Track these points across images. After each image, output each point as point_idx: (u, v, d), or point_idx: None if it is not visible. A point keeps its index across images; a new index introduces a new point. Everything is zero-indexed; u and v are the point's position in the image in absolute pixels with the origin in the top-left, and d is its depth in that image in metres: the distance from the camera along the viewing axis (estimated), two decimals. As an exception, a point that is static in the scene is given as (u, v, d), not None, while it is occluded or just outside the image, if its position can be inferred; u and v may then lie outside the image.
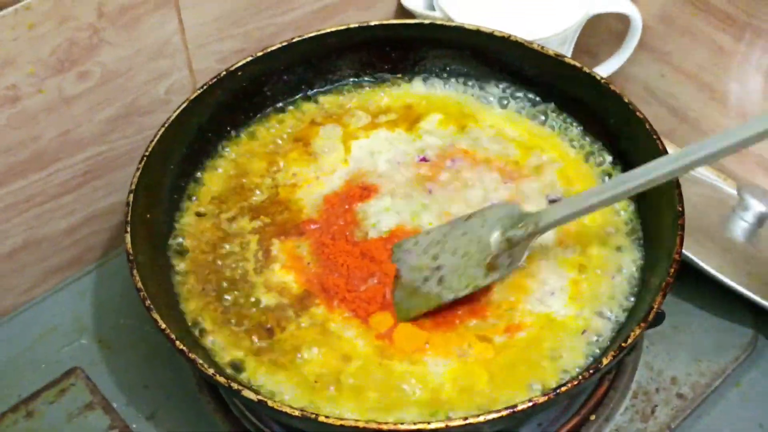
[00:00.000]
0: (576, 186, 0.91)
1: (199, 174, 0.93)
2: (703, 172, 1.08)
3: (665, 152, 0.83)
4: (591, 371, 0.70)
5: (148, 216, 0.84)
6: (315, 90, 0.99)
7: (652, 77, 1.14)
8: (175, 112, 0.88)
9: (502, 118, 0.97)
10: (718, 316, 0.93)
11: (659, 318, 0.81)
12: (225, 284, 0.84)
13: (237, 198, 0.91)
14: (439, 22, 0.94)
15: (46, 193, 0.94)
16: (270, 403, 0.69)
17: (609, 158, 0.92)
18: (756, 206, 0.95)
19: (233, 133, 0.96)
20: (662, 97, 1.14)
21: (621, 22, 1.09)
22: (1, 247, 0.93)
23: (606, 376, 0.86)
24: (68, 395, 0.86)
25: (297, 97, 0.99)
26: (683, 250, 0.77)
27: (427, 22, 0.95)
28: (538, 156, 0.93)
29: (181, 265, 0.86)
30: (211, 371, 0.71)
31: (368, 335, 0.80)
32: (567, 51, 1.09)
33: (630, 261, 0.84)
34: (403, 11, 1.10)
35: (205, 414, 0.85)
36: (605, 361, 0.71)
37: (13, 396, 0.87)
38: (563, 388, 0.69)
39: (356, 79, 1.00)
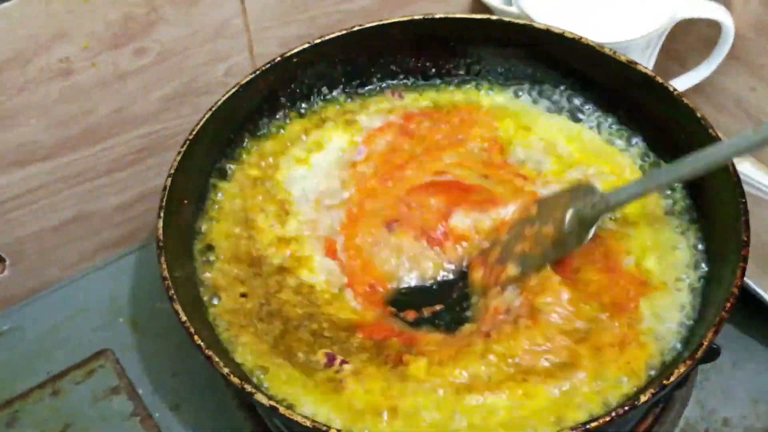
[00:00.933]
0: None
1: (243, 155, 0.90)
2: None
3: (735, 173, 0.77)
4: (626, 408, 0.65)
5: (186, 202, 0.82)
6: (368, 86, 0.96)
7: (742, 90, 1.07)
8: (223, 96, 0.85)
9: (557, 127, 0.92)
10: (783, 354, 0.86)
11: (713, 353, 0.75)
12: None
13: None
14: (506, 20, 0.89)
15: (97, 168, 0.93)
16: (281, 410, 0.66)
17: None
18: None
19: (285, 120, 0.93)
20: (751, 111, 1.07)
21: (712, 29, 1.02)
22: (49, 220, 0.94)
23: (652, 409, 0.80)
24: (96, 377, 0.85)
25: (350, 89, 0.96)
26: (747, 279, 0.71)
27: (494, 18, 0.90)
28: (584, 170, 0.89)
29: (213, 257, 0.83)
30: (225, 370, 0.68)
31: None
32: (651, 56, 1.03)
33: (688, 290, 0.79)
34: (478, 4, 1.05)
35: (230, 410, 0.83)
36: (643, 399, 0.66)
37: (42, 372, 0.86)
38: (593, 424, 0.65)
39: (413, 78, 0.96)
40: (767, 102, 1.05)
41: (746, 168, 1.00)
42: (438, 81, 0.96)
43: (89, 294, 0.95)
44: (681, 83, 1.06)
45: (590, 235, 0.79)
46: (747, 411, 0.83)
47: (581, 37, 0.87)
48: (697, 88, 1.07)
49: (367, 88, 0.95)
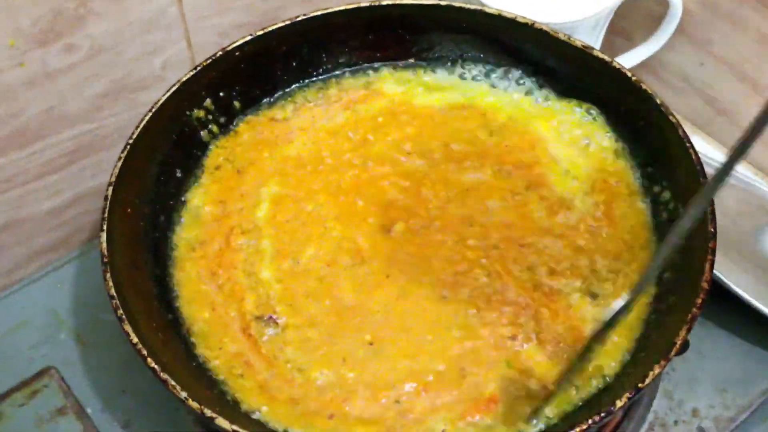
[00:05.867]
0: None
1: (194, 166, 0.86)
2: (739, 171, 1.00)
3: (699, 163, 0.75)
4: (602, 414, 0.64)
5: (129, 211, 0.77)
6: (320, 75, 0.92)
7: (691, 66, 1.06)
8: (163, 95, 0.81)
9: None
10: (748, 342, 0.85)
11: (683, 347, 0.73)
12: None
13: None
14: (457, 5, 0.86)
15: (29, 172, 0.88)
16: (244, 436, 0.63)
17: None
18: (797, 217, 0.87)
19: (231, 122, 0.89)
20: (700, 87, 1.06)
21: (660, 5, 1.01)
22: (-21, 229, 0.88)
23: (621, 404, 0.79)
24: (40, 397, 0.80)
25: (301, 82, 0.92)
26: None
27: (444, 3, 0.86)
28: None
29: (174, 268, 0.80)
30: (183, 395, 0.65)
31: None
32: (600, 34, 1.01)
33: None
34: (422, -15, 1.02)
35: (185, 426, 0.79)
36: (619, 404, 0.64)
37: (-21, 396, 0.81)
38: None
39: (365, 64, 0.92)
40: (716, 77, 1.04)
41: (697, 142, 0.99)
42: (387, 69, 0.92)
43: (27, 307, 0.89)
44: (629, 59, 1.05)
45: None
46: (715, 400, 0.82)
47: (534, 22, 0.85)
48: (644, 64, 1.06)
49: (311, 80, 0.91)
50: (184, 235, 0.81)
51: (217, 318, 0.76)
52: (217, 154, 0.87)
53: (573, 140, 0.86)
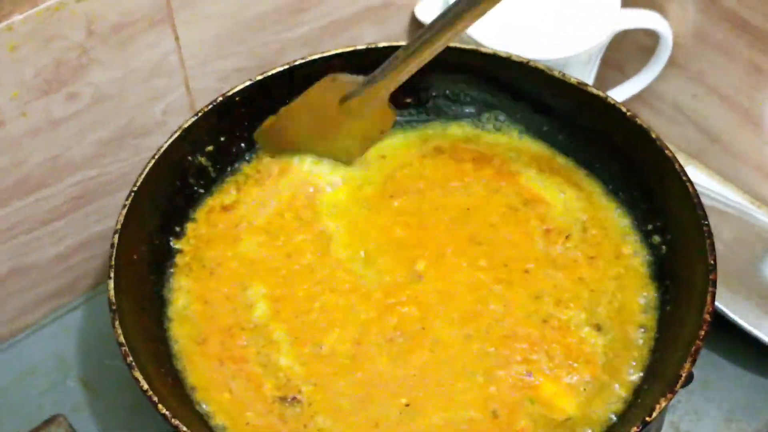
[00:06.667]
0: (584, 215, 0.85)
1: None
2: (736, 200, 1.01)
3: (695, 195, 0.76)
4: (611, 451, 0.64)
5: (135, 257, 0.78)
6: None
7: (683, 97, 1.07)
8: (166, 142, 0.82)
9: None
10: (752, 372, 0.86)
11: (688, 379, 0.74)
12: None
13: None
14: (452, 45, 0.87)
15: (33, 219, 0.89)
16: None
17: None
18: (795, 245, 0.88)
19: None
20: (693, 117, 1.08)
21: (651, 38, 1.03)
22: (-17, 277, 0.89)
23: (626, 436, 0.80)
24: (48, 446, 0.80)
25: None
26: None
27: (439, 44, 0.87)
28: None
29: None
30: (195, 440, 0.65)
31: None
32: (593, 68, 1.02)
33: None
34: (418, 26, 1.03)
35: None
36: (626, 438, 0.65)
37: (-14, 446, 0.82)
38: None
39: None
40: (708, 107, 1.05)
41: (691, 172, 1.00)
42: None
43: (35, 354, 0.90)
44: (622, 92, 1.06)
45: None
46: (721, 430, 0.82)
47: (529, 61, 0.86)
48: (637, 96, 1.07)
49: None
50: (179, 331, 0.79)
51: (235, 400, 0.75)
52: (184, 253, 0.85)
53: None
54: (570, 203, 0.86)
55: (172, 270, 0.83)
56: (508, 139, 0.91)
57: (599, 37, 0.97)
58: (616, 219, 0.84)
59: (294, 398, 0.75)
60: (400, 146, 0.92)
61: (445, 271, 0.82)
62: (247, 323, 0.79)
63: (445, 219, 0.85)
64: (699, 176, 1.06)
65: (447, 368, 0.76)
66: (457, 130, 0.92)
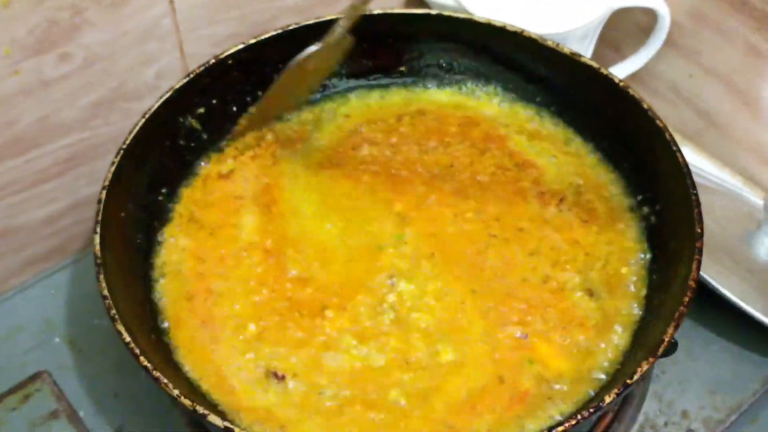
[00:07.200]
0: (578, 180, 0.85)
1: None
2: (729, 180, 1.01)
3: (685, 165, 0.76)
4: (590, 410, 0.64)
5: (123, 215, 0.78)
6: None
7: (680, 77, 1.07)
8: (157, 102, 0.82)
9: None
10: (737, 345, 0.86)
11: (671, 347, 0.74)
12: None
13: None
14: (446, 14, 0.87)
15: (23, 180, 0.89)
16: (237, 430, 0.63)
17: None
18: (785, 223, 0.88)
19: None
20: (689, 98, 1.07)
21: (648, 17, 1.02)
22: (-27, 237, 0.89)
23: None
24: (32, 401, 0.80)
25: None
26: (701, 272, 0.70)
27: (433, 12, 0.88)
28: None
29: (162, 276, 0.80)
30: (175, 392, 0.65)
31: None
32: (589, 45, 1.02)
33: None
34: (415, 0, 1.03)
35: (178, 429, 0.79)
36: (607, 399, 0.65)
37: (-28, 400, 0.81)
38: (559, 429, 0.63)
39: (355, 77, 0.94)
40: (705, 88, 1.05)
41: (686, 153, 1.00)
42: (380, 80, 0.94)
43: (21, 313, 0.90)
44: (619, 71, 1.06)
45: None
46: (705, 402, 0.82)
47: (523, 30, 0.86)
48: (634, 75, 1.07)
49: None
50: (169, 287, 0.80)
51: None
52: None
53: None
54: (563, 167, 0.86)
55: (163, 229, 0.83)
56: (498, 108, 0.90)
57: (595, 13, 0.97)
58: (608, 186, 0.84)
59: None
60: (372, 106, 0.92)
61: (430, 218, 0.82)
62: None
63: (424, 173, 0.85)
64: (694, 158, 1.06)
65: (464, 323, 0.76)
66: (443, 96, 0.92)
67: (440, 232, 0.81)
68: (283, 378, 0.73)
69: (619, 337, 0.75)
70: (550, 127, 0.89)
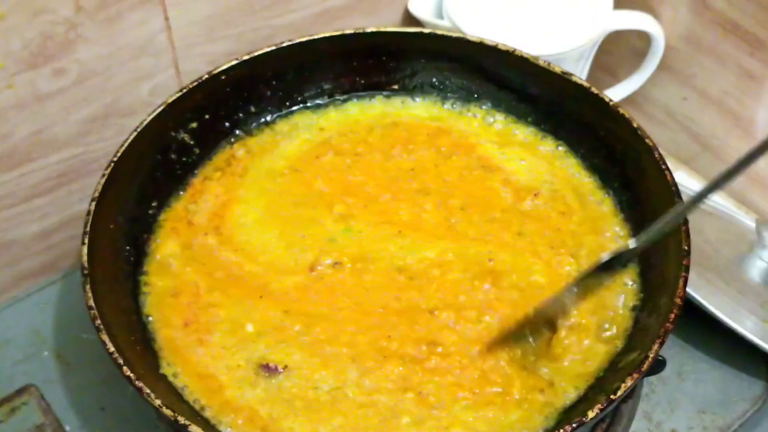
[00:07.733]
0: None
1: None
2: (722, 203, 1.01)
3: (673, 183, 0.76)
4: (574, 425, 0.64)
5: (112, 227, 0.78)
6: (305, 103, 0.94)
7: (674, 100, 1.07)
8: (149, 116, 0.82)
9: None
10: (728, 365, 0.86)
11: (659, 365, 0.73)
12: None
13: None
14: (439, 32, 0.88)
15: (16, 194, 0.89)
16: (217, 439, 0.63)
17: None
18: (776, 245, 0.88)
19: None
20: (683, 121, 1.07)
21: (642, 41, 1.03)
22: (-35, 251, 0.89)
23: (599, 425, 0.79)
24: (19, 415, 0.80)
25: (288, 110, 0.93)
26: (692, 291, 0.70)
27: (426, 31, 0.88)
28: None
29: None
30: (157, 402, 0.65)
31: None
32: (584, 67, 1.02)
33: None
34: (410, 18, 1.04)
35: (162, 443, 0.79)
36: (591, 414, 0.64)
37: (-41, 413, 0.81)
38: (543, 443, 0.63)
39: (347, 94, 0.94)
40: (699, 111, 1.05)
41: (681, 177, 1.00)
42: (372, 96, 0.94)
43: (10, 326, 0.90)
44: (613, 94, 1.06)
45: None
46: (694, 422, 0.82)
47: (515, 50, 0.86)
48: (628, 99, 1.07)
49: (297, 107, 0.93)
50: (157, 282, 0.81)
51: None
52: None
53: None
54: (534, 168, 0.86)
55: (152, 241, 0.83)
56: (480, 121, 0.91)
57: (590, 35, 0.97)
58: (595, 204, 0.84)
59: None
60: (350, 119, 0.92)
61: (381, 211, 0.83)
62: None
63: (381, 177, 0.86)
64: (688, 180, 1.06)
65: None
66: (423, 111, 0.93)
67: (393, 220, 0.82)
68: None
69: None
70: (525, 134, 0.90)
